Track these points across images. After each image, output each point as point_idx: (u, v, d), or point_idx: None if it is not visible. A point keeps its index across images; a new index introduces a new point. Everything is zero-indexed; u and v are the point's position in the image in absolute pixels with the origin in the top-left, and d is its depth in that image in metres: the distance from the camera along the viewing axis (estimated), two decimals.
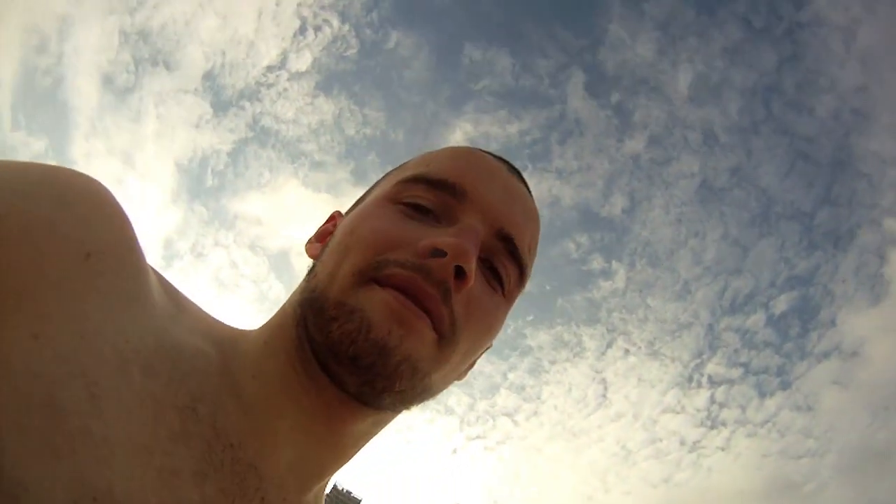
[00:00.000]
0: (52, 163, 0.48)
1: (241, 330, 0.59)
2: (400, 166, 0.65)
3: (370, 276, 0.50)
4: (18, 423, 0.35)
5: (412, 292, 0.49)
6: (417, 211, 0.55)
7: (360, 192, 0.68)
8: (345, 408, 0.52)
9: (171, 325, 0.49)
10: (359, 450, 0.58)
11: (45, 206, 0.43)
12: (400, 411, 0.56)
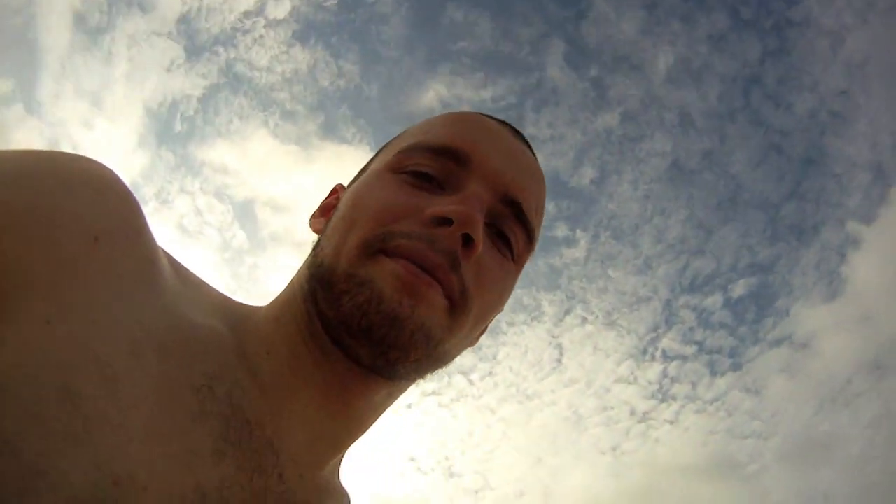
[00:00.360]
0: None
1: (252, 306, 0.58)
2: (400, 135, 0.63)
3: (377, 247, 0.49)
4: (35, 410, 0.34)
5: (421, 262, 0.48)
6: (421, 179, 0.54)
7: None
8: (359, 380, 0.52)
9: (183, 305, 0.48)
10: (374, 422, 0.58)
11: (49, 192, 0.42)
12: (414, 381, 0.56)
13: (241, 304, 0.58)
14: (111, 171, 0.48)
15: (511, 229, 0.56)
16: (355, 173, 0.65)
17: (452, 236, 0.49)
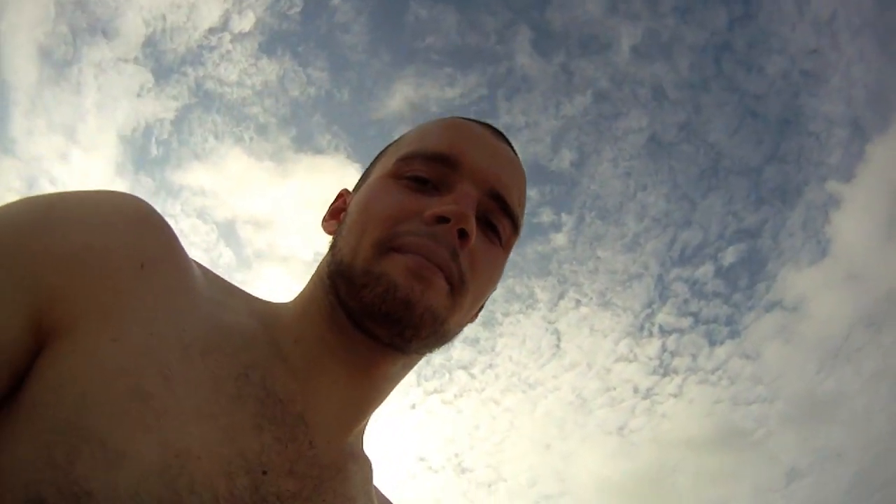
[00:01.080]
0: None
1: (277, 303, 0.68)
2: (396, 142, 0.73)
3: (388, 246, 0.58)
4: (114, 408, 0.45)
5: (426, 254, 0.57)
6: (418, 183, 0.63)
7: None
8: (378, 355, 0.61)
9: (218, 309, 0.58)
10: (390, 391, 0.67)
11: (99, 230, 0.52)
12: (424, 354, 0.65)
13: (267, 301, 0.67)
14: (147, 205, 0.58)
15: (498, 220, 0.65)
16: (350, 180, 0.74)
17: (450, 231, 0.58)
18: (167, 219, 0.59)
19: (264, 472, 0.51)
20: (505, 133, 0.74)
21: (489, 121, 0.74)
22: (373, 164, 0.74)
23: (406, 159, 0.65)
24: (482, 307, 0.71)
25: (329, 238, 0.69)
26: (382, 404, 0.68)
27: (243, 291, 0.66)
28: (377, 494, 0.70)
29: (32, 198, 0.53)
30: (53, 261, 0.49)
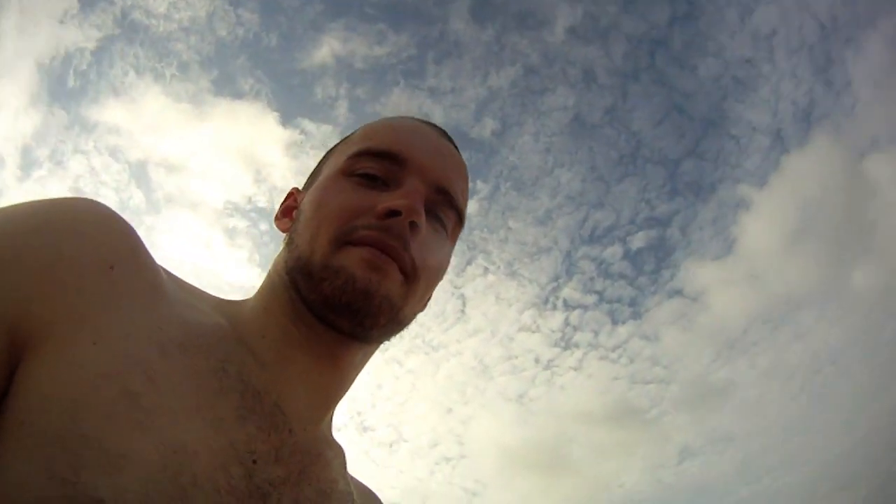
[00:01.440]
0: None
1: (238, 301, 0.70)
2: (343, 141, 0.76)
3: (344, 240, 0.62)
4: (107, 411, 0.45)
5: (380, 246, 0.61)
6: (369, 179, 0.66)
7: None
8: (341, 346, 0.65)
9: (187, 308, 0.59)
10: (354, 379, 0.71)
11: (67, 236, 0.52)
12: (381, 342, 0.69)
13: (229, 300, 0.70)
14: (109, 209, 0.58)
15: (444, 212, 0.70)
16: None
17: (402, 224, 0.62)
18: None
19: (254, 461, 0.53)
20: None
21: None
22: (321, 164, 0.77)
23: (356, 157, 0.68)
24: (431, 296, 0.75)
25: (284, 235, 0.71)
26: (347, 392, 0.71)
27: (205, 292, 0.68)
28: (353, 480, 0.74)
29: None
30: (24, 271, 0.49)
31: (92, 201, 0.57)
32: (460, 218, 0.73)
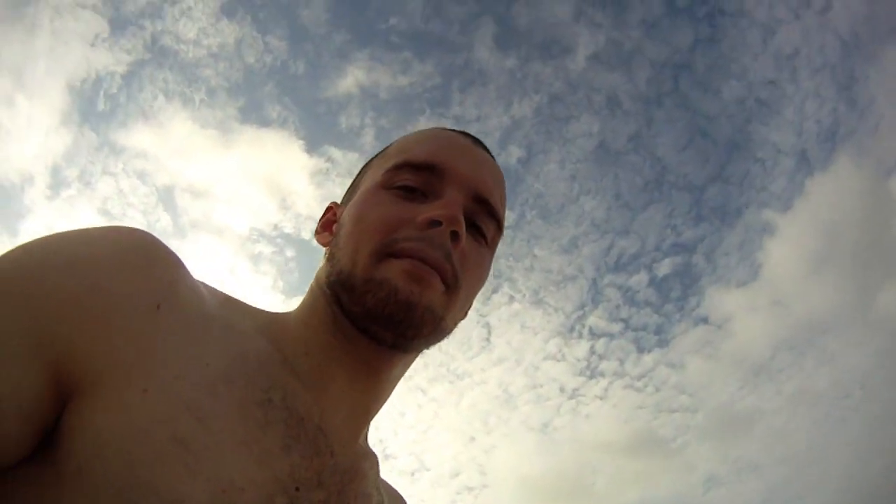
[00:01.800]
0: None
1: (280, 314, 0.70)
2: (380, 154, 0.76)
3: (385, 252, 0.62)
4: (159, 459, 0.46)
5: (423, 258, 0.61)
6: (408, 191, 0.67)
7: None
8: (383, 358, 0.65)
9: (231, 333, 0.59)
10: (392, 390, 0.71)
11: (108, 272, 0.52)
12: (422, 351, 0.69)
13: (270, 312, 0.69)
14: (153, 238, 0.58)
15: (483, 221, 0.69)
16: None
17: (443, 234, 0.62)
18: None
19: (297, 489, 0.54)
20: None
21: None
22: (359, 178, 0.77)
23: (394, 170, 0.68)
24: (472, 304, 0.75)
25: (324, 250, 0.72)
26: (385, 404, 0.71)
27: (243, 304, 0.68)
28: (383, 484, 0.74)
29: (33, 242, 0.52)
30: (65, 309, 0.48)
31: (137, 231, 0.57)
32: (499, 226, 0.73)
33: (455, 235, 0.63)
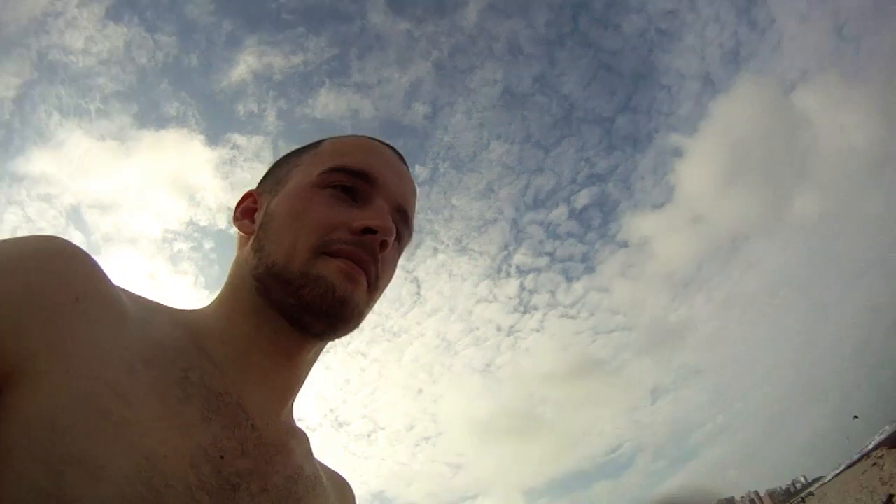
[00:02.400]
0: None
1: (195, 310, 0.73)
2: (308, 151, 0.81)
3: (322, 250, 0.69)
4: (83, 431, 0.49)
5: (356, 259, 0.69)
6: (342, 191, 0.74)
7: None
8: (300, 345, 0.72)
9: (147, 326, 0.63)
10: (308, 373, 0.78)
11: (35, 272, 0.56)
12: (335, 339, 0.76)
13: (187, 310, 0.72)
14: (73, 245, 0.62)
15: (401, 229, 0.79)
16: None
17: (375, 241, 0.71)
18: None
19: (221, 457, 0.58)
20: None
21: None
22: (283, 169, 0.81)
23: (329, 172, 0.75)
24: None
25: (242, 237, 0.76)
26: (303, 384, 0.77)
27: (162, 304, 0.71)
28: (325, 469, 0.81)
29: None
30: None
31: (56, 238, 0.61)
32: (411, 232, 0.83)
33: (384, 244, 0.72)
